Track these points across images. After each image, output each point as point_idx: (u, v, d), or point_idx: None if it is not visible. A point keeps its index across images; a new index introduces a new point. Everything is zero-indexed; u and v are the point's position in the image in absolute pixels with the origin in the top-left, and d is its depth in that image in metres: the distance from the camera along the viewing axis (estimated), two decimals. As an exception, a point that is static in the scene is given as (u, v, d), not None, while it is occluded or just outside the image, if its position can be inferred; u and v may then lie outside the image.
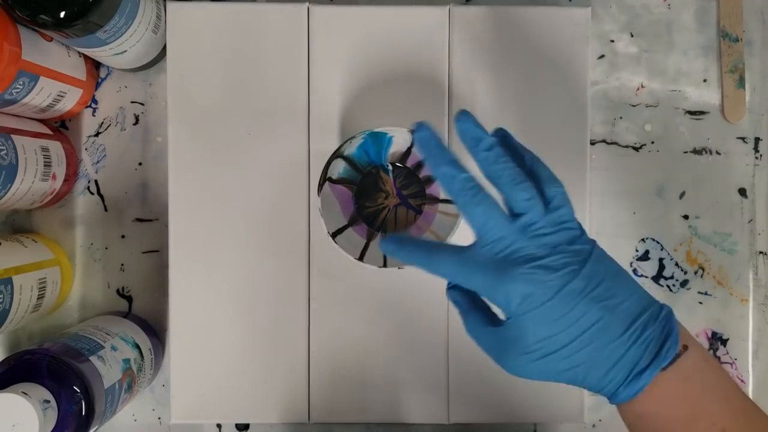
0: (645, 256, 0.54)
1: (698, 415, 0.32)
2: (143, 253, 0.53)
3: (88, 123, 0.53)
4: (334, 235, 0.45)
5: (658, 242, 0.54)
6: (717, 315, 0.54)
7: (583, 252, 0.32)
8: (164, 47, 0.50)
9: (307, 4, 0.49)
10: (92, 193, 0.53)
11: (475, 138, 0.34)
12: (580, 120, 0.50)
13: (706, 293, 0.54)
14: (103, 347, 0.45)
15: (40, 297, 0.48)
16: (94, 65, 0.52)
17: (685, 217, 0.54)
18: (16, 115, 0.48)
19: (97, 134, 0.53)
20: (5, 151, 0.43)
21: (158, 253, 0.53)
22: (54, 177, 0.49)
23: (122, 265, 0.53)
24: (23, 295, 0.46)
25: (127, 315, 0.53)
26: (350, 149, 0.45)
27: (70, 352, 0.43)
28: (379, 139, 0.45)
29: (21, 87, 0.44)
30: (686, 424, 0.32)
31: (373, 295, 0.50)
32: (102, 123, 0.53)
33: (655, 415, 0.32)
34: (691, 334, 0.34)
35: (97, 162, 0.53)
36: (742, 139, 0.54)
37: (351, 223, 0.47)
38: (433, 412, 0.50)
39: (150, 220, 0.53)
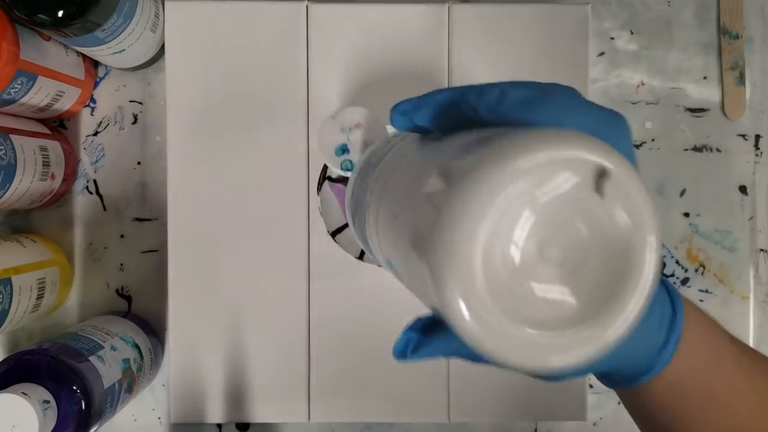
0: (645, 254, 0.54)
1: (720, 357, 0.27)
2: (142, 252, 0.53)
3: (87, 122, 0.53)
4: (333, 234, 0.45)
5: (658, 240, 0.54)
6: (718, 313, 0.54)
7: None
8: (163, 46, 0.50)
9: (306, 2, 0.49)
10: (91, 193, 0.53)
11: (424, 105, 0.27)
12: (580, 118, 0.50)
13: (707, 291, 0.54)
14: (102, 347, 0.45)
15: (39, 297, 0.48)
16: (93, 64, 0.52)
17: (686, 214, 0.54)
18: (14, 114, 0.48)
19: (95, 133, 0.53)
20: (4, 151, 0.43)
21: (157, 253, 0.53)
22: (53, 177, 0.49)
23: (121, 264, 0.53)
24: (22, 295, 0.46)
25: (127, 315, 0.52)
26: (350, 148, 0.45)
27: (70, 352, 0.42)
28: (378, 138, 0.45)
29: (19, 86, 0.43)
30: (714, 370, 0.27)
31: (373, 293, 0.50)
32: (101, 122, 0.53)
33: (688, 370, 0.26)
34: None
35: (96, 161, 0.53)
36: (743, 136, 0.54)
37: (351, 221, 0.47)
38: (434, 410, 0.50)
39: (149, 220, 0.53)
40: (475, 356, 0.24)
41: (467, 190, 0.19)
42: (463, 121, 0.24)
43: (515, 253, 0.19)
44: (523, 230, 0.19)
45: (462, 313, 0.19)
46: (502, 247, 0.19)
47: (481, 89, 0.23)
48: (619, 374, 0.27)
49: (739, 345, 0.29)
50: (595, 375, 0.29)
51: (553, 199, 0.19)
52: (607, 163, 0.19)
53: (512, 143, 0.19)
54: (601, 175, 0.19)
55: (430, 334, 0.26)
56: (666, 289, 0.27)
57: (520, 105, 0.22)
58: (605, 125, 0.22)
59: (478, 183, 0.19)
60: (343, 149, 0.37)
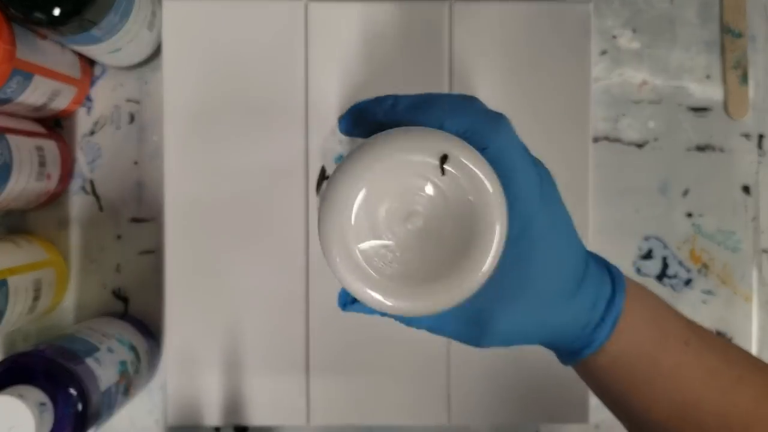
0: (648, 255, 0.53)
1: (666, 336, 0.30)
2: (139, 253, 0.53)
3: (83, 122, 0.53)
4: (333, 235, 0.44)
5: (661, 240, 0.53)
6: (721, 314, 0.53)
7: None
8: (160, 45, 0.50)
9: (305, 0, 0.49)
10: (87, 193, 0.53)
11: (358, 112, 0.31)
12: (583, 117, 0.49)
13: (709, 292, 0.54)
14: (99, 349, 0.45)
15: (36, 298, 0.48)
16: (89, 63, 0.52)
17: (689, 214, 0.53)
18: (10, 114, 0.47)
19: (92, 133, 0.53)
20: (-1, 151, 0.43)
21: (154, 254, 0.53)
22: (49, 177, 0.49)
23: (118, 265, 0.53)
24: (18, 296, 0.45)
25: (124, 316, 0.52)
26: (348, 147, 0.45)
27: (66, 354, 0.42)
28: (378, 137, 0.45)
29: (15, 86, 0.43)
30: (659, 345, 0.30)
31: (373, 295, 0.49)
32: (97, 122, 0.53)
33: (631, 347, 0.30)
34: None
35: (93, 161, 0.53)
36: (746, 135, 0.54)
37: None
38: (434, 413, 0.49)
39: (146, 220, 0.53)
40: (396, 316, 0.29)
41: (338, 180, 0.25)
42: (373, 126, 0.28)
43: (374, 220, 0.25)
44: (381, 204, 0.25)
45: (346, 279, 0.25)
46: (367, 219, 0.25)
47: (380, 100, 0.29)
48: (562, 348, 0.31)
49: (690, 327, 0.31)
50: (549, 348, 0.32)
51: (409, 180, 0.25)
52: (444, 149, 0.25)
53: (372, 144, 0.25)
54: (442, 158, 0.25)
55: None
56: (609, 272, 0.30)
57: (407, 110, 0.28)
58: (481, 124, 0.27)
59: (347, 173, 0.25)
60: (341, 158, 0.41)
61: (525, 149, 0.28)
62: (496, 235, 0.25)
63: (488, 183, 0.25)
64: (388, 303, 0.26)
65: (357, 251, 0.25)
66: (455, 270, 0.25)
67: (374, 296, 0.25)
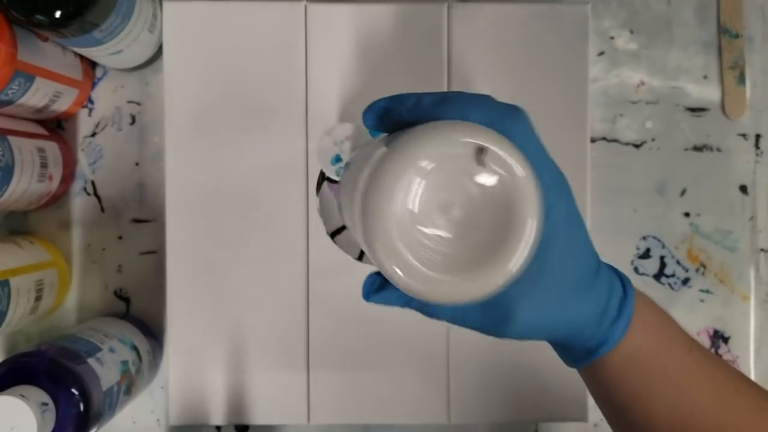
0: (646, 254, 0.54)
1: (672, 340, 0.31)
2: (141, 254, 0.53)
3: (85, 123, 0.53)
4: (333, 235, 0.44)
5: (659, 240, 0.54)
6: (718, 313, 0.54)
7: None
8: (161, 47, 0.50)
9: (304, 2, 0.49)
10: (89, 194, 0.53)
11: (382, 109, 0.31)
12: (580, 117, 0.50)
13: (707, 291, 0.54)
14: (101, 349, 0.45)
15: (38, 299, 0.48)
16: (90, 65, 0.52)
17: (686, 214, 0.54)
18: (11, 115, 0.47)
19: (93, 134, 0.53)
20: (1, 153, 0.43)
21: (156, 254, 0.53)
22: (51, 178, 0.49)
23: (120, 266, 0.53)
24: (20, 297, 0.46)
25: (125, 316, 0.52)
26: (349, 148, 0.45)
27: (68, 355, 0.42)
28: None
29: (17, 88, 0.43)
30: (666, 349, 0.30)
31: (373, 294, 0.49)
32: (98, 123, 0.53)
33: (641, 349, 0.30)
34: None
35: (94, 162, 0.53)
36: (743, 135, 0.54)
37: (350, 222, 0.47)
38: (434, 412, 0.50)
39: (147, 221, 0.53)
40: (420, 306, 0.30)
41: (382, 169, 0.25)
42: (397, 123, 0.29)
43: (415, 209, 0.25)
44: (423, 194, 0.25)
45: (384, 262, 0.25)
46: (409, 207, 0.25)
47: (402, 98, 0.29)
48: (575, 346, 0.30)
49: (688, 335, 0.32)
50: (557, 350, 0.32)
51: (449, 171, 0.25)
52: (482, 141, 0.25)
53: (413, 137, 0.25)
54: (480, 150, 0.25)
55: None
56: (616, 274, 0.31)
57: (431, 106, 0.28)
58: (502, 116, 0.28)
59: (391, 162, 0.25)
60: (337, 159, 0.43)
61: (541, 141, 0.29)
62: (530, 230, 0.25)
63: (526, 176, 0.25)
64: (422, 288, 0.26)
65: (397, 237, 0.25)
66: (489, 262, 0.26)
67: (408, 281, 0.26)
